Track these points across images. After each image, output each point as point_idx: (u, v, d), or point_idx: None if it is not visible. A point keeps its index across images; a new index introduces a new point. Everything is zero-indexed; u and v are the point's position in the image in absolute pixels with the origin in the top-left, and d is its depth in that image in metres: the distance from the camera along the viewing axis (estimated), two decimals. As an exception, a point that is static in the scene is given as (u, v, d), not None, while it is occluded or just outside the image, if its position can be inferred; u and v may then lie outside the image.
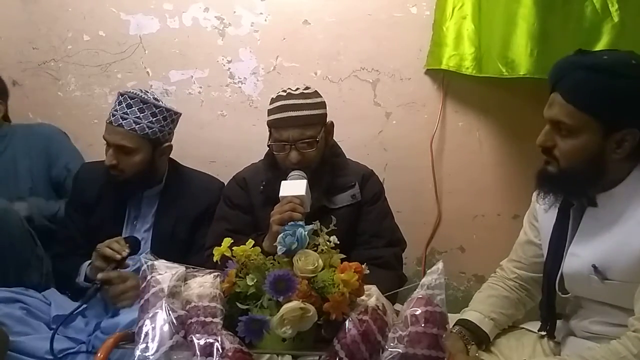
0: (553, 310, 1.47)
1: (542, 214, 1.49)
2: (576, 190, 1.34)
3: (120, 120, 1.85)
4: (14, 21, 2.38)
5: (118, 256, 1.73)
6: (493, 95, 2.23)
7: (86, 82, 2.38)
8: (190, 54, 2.35)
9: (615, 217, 1.30)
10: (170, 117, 1.93)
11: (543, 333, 1.50)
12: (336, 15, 2.29)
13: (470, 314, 1.51)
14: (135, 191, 1.98)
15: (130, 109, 1.86)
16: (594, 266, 1.31)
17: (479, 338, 1.47)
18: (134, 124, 1.86)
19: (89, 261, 1.85)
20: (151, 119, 1.88)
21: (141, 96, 1.88)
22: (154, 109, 1.88)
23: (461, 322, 1.49)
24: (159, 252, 1.88)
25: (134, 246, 1.80)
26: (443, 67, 2.19)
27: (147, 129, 1.87)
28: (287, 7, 2.31)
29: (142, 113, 1.86)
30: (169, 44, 2.35)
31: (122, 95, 1.89)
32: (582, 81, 1.26)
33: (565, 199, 1.39)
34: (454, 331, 1.46)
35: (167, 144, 1.97)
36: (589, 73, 1.26)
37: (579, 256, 1.36)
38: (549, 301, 1.46)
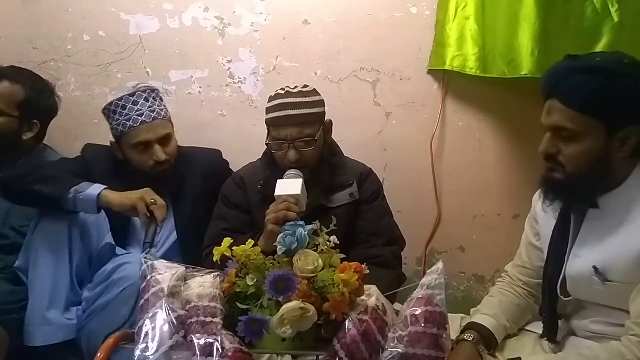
0: (555, 314, 1.46)
1: (542, 217, 1.50)
2: (585, 193, 1.34)
3: (152, 114, 1.90)
4: (14, 21, 2.38)
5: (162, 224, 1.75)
6: (493, 95, 2.22)
7: (86, 82, 2.38)
8: (190, 54, 2.35)
9: (617, 218, 1.31)
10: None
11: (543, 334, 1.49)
12: (336, 15, 2.29)
13: (485, 319, 1.45)
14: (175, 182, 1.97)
15: (147, 102, 1.90)
16: (595, 267, 1.31)
17: (489, 344, 1.42)
18: (162, 112, 1.93)
19: (104, 187, 1.75)
20: (161, 103, 1.96)
21: (143, 87, 1.94)
22: (152, 93, 1.94)
23: (475, 327, 1.43)
24: (185, 237, 1.95)
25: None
26: (447, 67, 2.18)
27: (168, 113, 1.97)
28: (287, 7, 2.30)
29: (155, 101, 1.93)
30: (169, 44, 2.35)
31: (131, 95, 1.89)
32: (579, 84, 1.28)
33: (567, 202, 1.39)
34: (470, 339, 1.39)
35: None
36: (586, 76, 1.28)
37: (582, 258, 1.36)
38: (551, 305, 1.45)
